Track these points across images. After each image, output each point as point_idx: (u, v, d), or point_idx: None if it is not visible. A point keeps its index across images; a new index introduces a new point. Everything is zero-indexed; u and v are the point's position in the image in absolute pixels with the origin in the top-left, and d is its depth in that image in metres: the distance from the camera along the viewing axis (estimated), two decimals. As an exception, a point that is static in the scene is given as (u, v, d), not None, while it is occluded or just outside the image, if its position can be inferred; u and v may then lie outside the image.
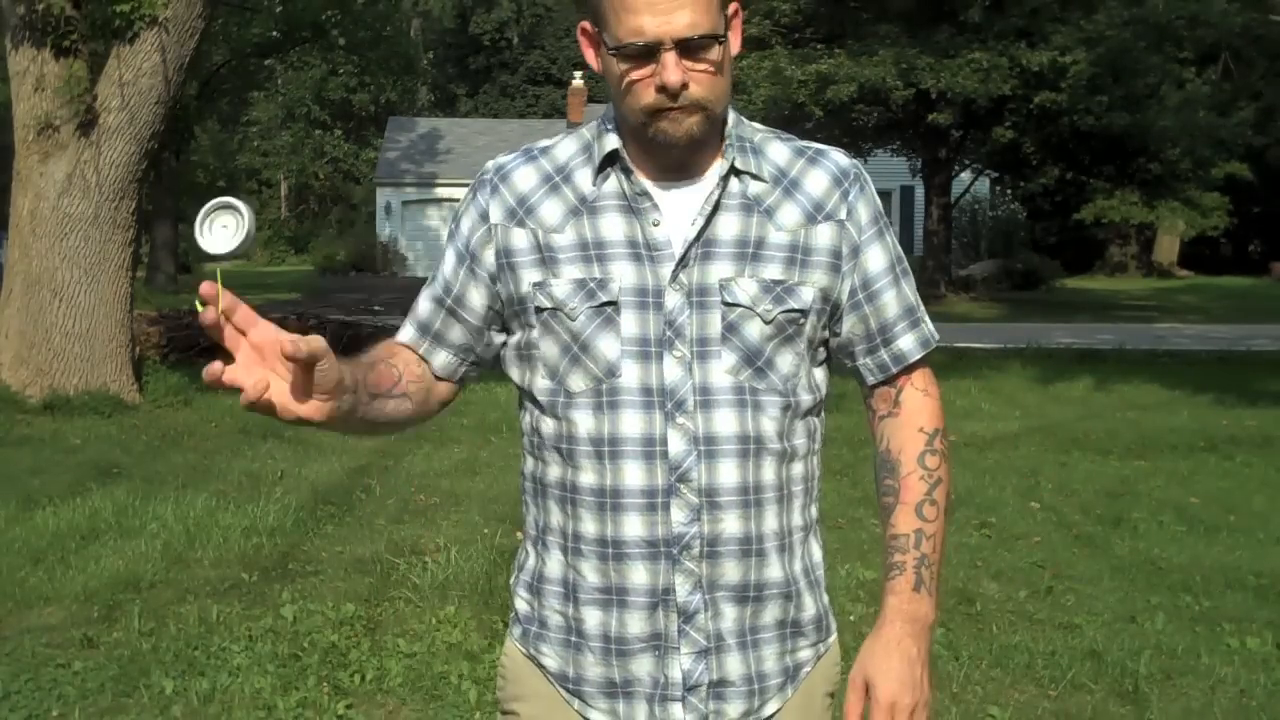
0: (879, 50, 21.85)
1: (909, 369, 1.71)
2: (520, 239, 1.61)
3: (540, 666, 1.69)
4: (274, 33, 26.70)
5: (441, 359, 1.70)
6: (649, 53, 1.49)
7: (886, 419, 1.71)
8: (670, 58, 1.48)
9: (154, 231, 27.04)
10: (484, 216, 1.64)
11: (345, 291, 25.11)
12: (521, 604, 1.72)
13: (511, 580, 1.77)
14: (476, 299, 1.66)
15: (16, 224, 9.58)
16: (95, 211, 9.42)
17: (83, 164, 9.34)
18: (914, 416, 1.70)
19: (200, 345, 12.88)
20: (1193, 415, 10.22)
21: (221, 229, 1.38)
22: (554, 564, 1.66)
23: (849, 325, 1.67)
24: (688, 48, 1.49)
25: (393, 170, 37.14)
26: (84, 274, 9.43)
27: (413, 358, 1.70)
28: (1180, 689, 4.05)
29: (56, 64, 9.31)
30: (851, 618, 4.69)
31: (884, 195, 41.36)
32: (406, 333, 1.71)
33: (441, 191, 36.32)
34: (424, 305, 1.70)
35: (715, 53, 1.51)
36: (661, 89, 1.50)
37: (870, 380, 1.72)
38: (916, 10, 22.53)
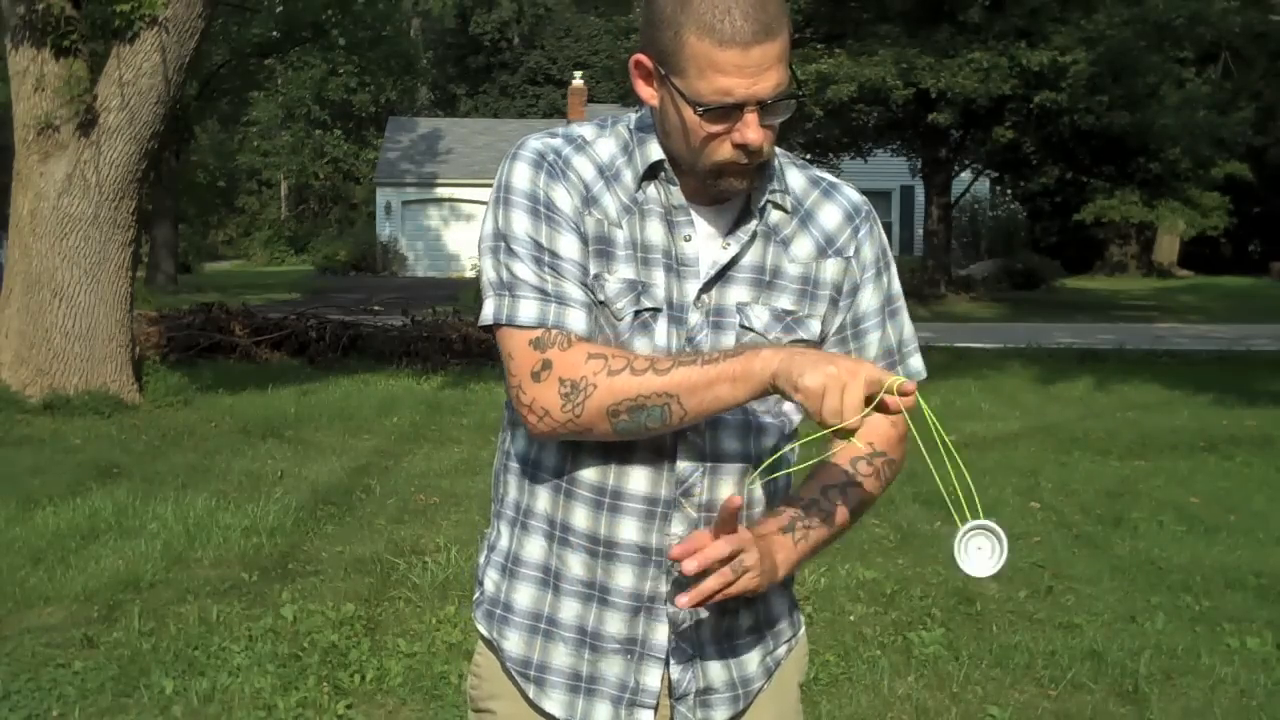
0: (879, 50, 21.85)
1: None
2: (590, 227, 1.58)
3: (498, 650, 1.68)
4: (274, 33, 26.73)
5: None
6: (731, 110, 1.49)
7: None
8: (753, 118, 1.49)
9: (154, 231, 27.04)
10: (569, 195, 1.58)
11: (345, 291, 25.13)
12: (489, 584, 1.71)
13: (480, 559, 1.75)
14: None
15: (16, 224, 9.58)
16: (95, 211, 9.42)
17: (83, 164, 9.34)
18: (866, 434, 1.65)
19: (200, 345, 12.89)
20: (1193, 415, 10.22)
21: (977, 550, 1.45)
22: (534, 549, 1.65)
23: None
24: (765, 107, 1.49)
25: (393, 170, 37.17)
26: (84, 274, 9.43)
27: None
28: (1180, 689, 4.05)
29: (56, 64, 9.30)
30: (851, 618, 4.70)
31: (884, 195, 41.16)
32: (579, 320, 1.55)
33: (441, 191, 36.35)
34: (576, 291, 1.56)
35: (789, 108, 1.52)
36: (740, 146, 1.51)
37: None
38: (916, 10, 22.52)
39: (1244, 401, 10.91)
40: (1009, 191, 35.24)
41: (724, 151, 1.52)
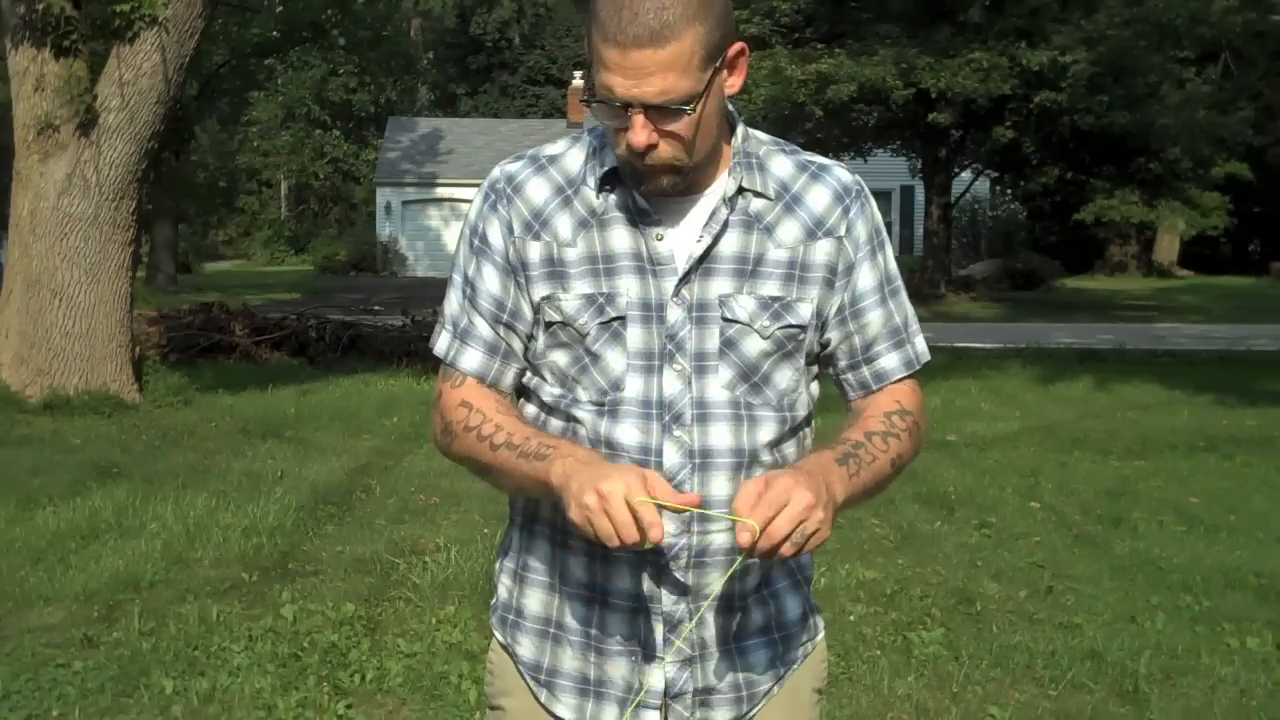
0: (879, 50, 21.84)
1: (892, 385, 1.70)
2: (535, 252, 1.61)
3: (513, 655, 1.70)
4: (274, 33, 26.69)
5: (511, 376, 1.68)
6: (619, 109, 1.49)
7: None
8: (638, 120, 1.49)
9: (154, 231, 27.04)
10: (509, 229, 1.62)
11: (345, 291, 25.14)
12: (503, 590, 1.74)
13: (496, 565, 1.78)
14: (527, 310, 1.64)
15: (16, 224, 9.57)
16: (95, 211, 9.42)
17: (83, 164, 9.33)
18: (890, 395, 1.69)
19: (200, 345, 12.89)
20: (1193, 415, 10.22)
21: None
22: (541, 554, 1.67)
23: (834, 340, 1.68)
24: (659, 111, 1.48)
25: (393, 170, 37.15)
26: (84, 274, 9.42)
27: (495, 396, 1.65)
28: (1180, 689, 4.05)
29: (56, 64, 9.30)
30: (851, 618, 4.69)
31: (884, 195, 41.25)
32: (473, 359, 1.64)
33: (441, 191, 36.33)
34: (481, 327, 1.64)
35: (686, 122, 1.50)
36: (629, 146, 1.51)
37: (851, 395, 1.72)
38: (916, 10, 22.52)
39: (1244, 401, 10.91)
40: (1009, 191, 35.22)
41: (621, 147, 1.53)
